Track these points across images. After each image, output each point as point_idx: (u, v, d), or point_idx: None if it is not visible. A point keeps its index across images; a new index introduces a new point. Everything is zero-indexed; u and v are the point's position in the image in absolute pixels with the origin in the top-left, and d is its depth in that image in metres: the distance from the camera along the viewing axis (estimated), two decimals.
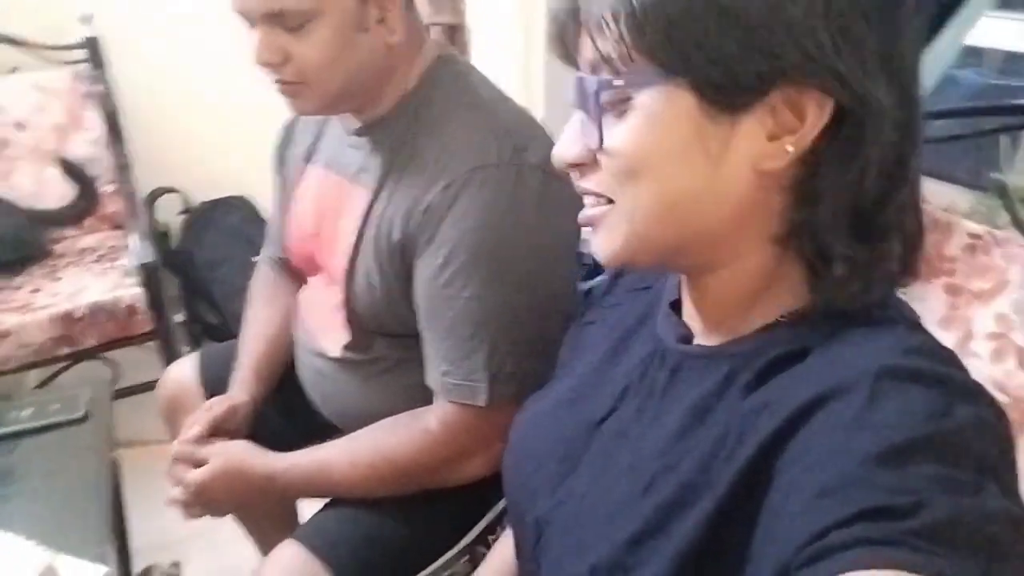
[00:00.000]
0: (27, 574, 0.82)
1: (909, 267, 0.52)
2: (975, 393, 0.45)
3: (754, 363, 0.51)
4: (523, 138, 0.89)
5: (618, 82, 0.49)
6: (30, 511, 1.01)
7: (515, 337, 0.88)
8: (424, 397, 0.94)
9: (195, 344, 2.51)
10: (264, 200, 2.55)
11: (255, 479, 0.97)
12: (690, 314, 0.60)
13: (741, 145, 0.48)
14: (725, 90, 0.47)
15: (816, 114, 0.47)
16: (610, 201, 0.52)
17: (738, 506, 0.47)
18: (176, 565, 1.57)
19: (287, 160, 1.14)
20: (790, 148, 0.47)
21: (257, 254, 2.41)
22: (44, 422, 1.18)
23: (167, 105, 2.46)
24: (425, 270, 0.89)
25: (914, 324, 0.52)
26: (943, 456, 0.40)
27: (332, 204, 1.02)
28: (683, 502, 0.50)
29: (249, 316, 1.24)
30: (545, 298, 0.88)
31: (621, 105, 0.49)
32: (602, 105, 0.50)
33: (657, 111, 0.48)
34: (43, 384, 2.01)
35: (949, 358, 0.48)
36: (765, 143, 0.48)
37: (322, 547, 0.91)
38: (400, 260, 0.92)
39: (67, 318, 1.78)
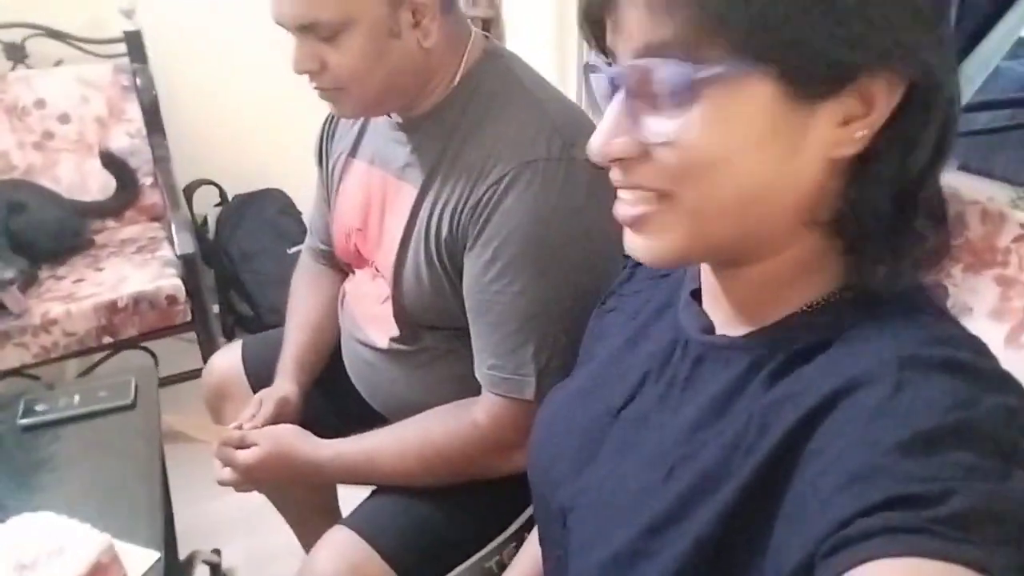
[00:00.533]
0: (88, 556, 0.84)
1: (937, 252, 0.51)
2: (1004, 382, 0.44)
3: (778, 354, 0.51)
4: (572, 132, 0.89)
5: (696, 70, 0.45)
6: (83, 496, 1.03)
7: (562, 332, 0.89)
8: (472, 386, 0.95)
9: (229, 335, 2.54)
10: (299, 193, 2.58)
11: (302, 466, 0.99)
12: (712, 304, 0.59)
13: (815, 134, 0.47)
14: (809, 80, 0.45)
15: (887, 98, 0.46)
16: (661, 197, 0.49)
17: (759, 496, 0.47)
18: (217, 552, 1.60)
19: (330, 153, 1.15)
20: (862, 134, 0.46)
21: (291, 246, 2.45)
22: (93, 408, 1.21)
23: (206, 98, 2.49)
24: (474, 266, 0.90)
25: (940, 312, 0.51)
26: (970, 444, 0.40)
27: (378, 200, 1.03)
28: (703, 490, 0.50)
29: (292, 306, 1.25)
30: (593, 293, 0.88)
31: (687, 93, 0.45)
32: (666, 93, 0.46)
33: (732, 100, 0.46)
34: (84, 373, 2.04)
35: (977, 347, 0.47)
36: (836, 130, 0.46)
37: (372, 533, 0.92)
38: (449, 256, 0.93)
39: (111, 307, 1.81)
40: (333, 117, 1.17)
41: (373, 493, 1.03)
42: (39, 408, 1.20)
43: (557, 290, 0.88)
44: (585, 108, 1.35)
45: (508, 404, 0.91)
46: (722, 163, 0.47)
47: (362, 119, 1.09)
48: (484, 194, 0.88)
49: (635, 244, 0.52)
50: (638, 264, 0.71)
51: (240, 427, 1.04)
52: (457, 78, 0.94)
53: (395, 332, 1.02)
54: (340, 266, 1.22)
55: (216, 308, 2.54)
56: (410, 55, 0.89)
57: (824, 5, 0.43)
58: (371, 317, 1.06)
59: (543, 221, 0.86)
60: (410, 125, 0.98)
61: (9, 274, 1.72)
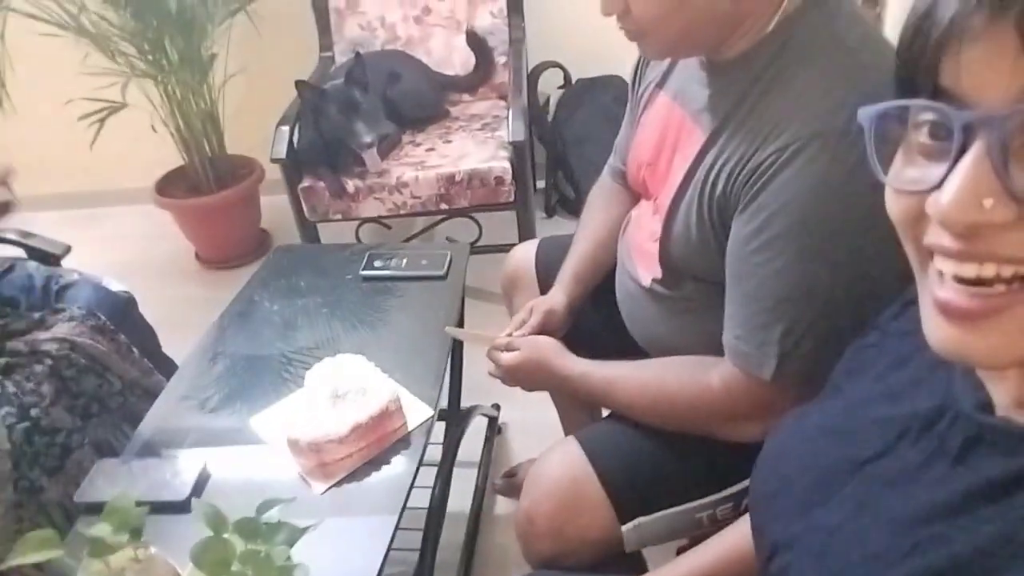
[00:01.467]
0: (381, 401, 1.06)
1: None
2: None
3: None
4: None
5: None
6: (388, 346, 1.26)
7: (817, 319, 0.85)
8: (720, 349, 0.95)
9: (550, 212, 2.75)
10: None
11: (552, 376, 1.10)
12: (996, 380, 0.52)
13: None
14: None
15: None
16: None
17: None
18: (496, 407, 1.85)
19: (642, 79, 1.17)
20: None
21: None
22: (414, 273, 1.45)
23: None
24: (740, 231, 0.88)
25: None
26: None
27: (672, 137, 1.03)
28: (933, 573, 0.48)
29: (583, 218, 1.34)
30: (862, 288, 0.82)
31: None
32: None
33: None
34: (426, 230, 2.39)
35: None
36: None
37: (597, 454, 1.00)
38: (719, 212, 0.92)
39: (450, 179, 2.07)
40: None
41: (610, 415, 1.11)
42: (377, 264, 1.47)
43: (821, 276, 0.83)
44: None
45: (744, 377, 0.91)
46: None
47: None
48: (766, 159, 0.84)
49: (964, 341, 0.44)
50: (913, 302, 0.59)
51: (510, 335, 1.18)
52: (772, 25, 0.88)
53: (658, 274, 1.05)
54: (633, 192, 1.26)
55: (542, 185, 2.75)
56: (714, 2, 0.86)
57: None
58: (642, 252, 1.10)
59: (821, 200, 0.81)
60: (715, 68, 0.95)
61: (368, 138, 2.04)
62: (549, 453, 1.05)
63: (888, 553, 0.52)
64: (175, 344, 1.63)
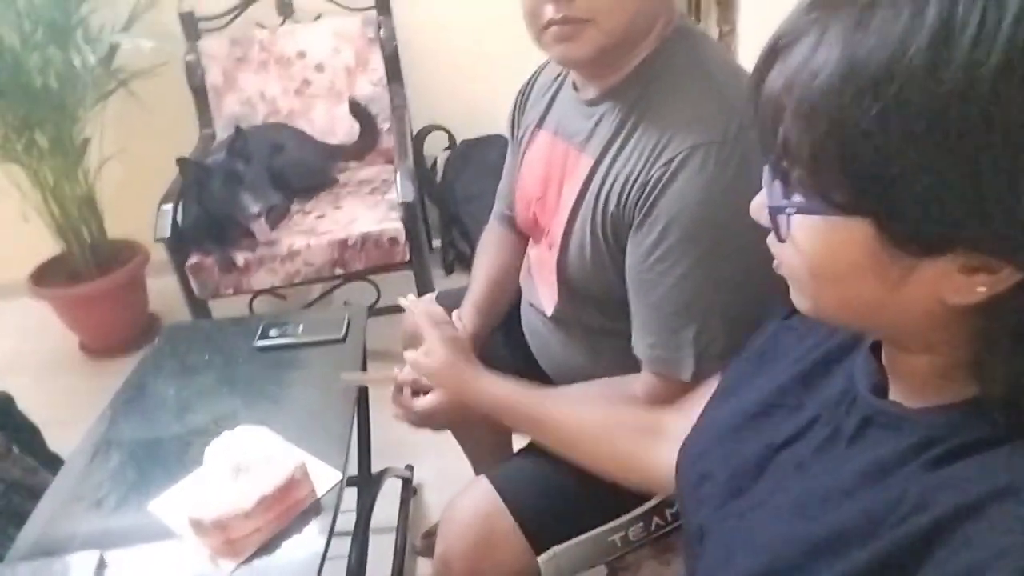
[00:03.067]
0: (286, 470, 1.04)
1: None
2: None
3: (949, 439, 0.50)
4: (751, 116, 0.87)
5: (794, 202, 0.50)
6: (290, 415, 1.23)
7: (724, 316, 0.89)
8: (633, 364, 0.98)
9: (448, 270, 2.78)
10: None
11: (474, 415, 1.07)
12: (890, 365, 0.58)
13: (926, 276, 0.46)
14: (906, 240, 0.45)
15: (1011, 270, 0.44)
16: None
17: (894, 566, 0.48)
18: (409, 468, 1.83)
19: (520, 124, 1.22)
20: (982, 288, 0.45)
21: None
22: (312, 339, 1.43)
23: (442, 48, 2.67)
24: (638, 246, 0.91)
25: None
26: None
27: (558, 169, 1.07)
28: (833, 549, 0.52)
29: (476, 263, 1.36)
30: (758, 280, 0.86)
31: (805, 207, 0.49)
32: (785, 206, 0.51)
33: (833, 231, 0.48)
34: (323, 296, 2.36)
35: None
36: (956, 276, 0.45)
37: (507, 489, 1.01)
38: (613, 231, 0.95)
39: (343, 244, 2.07)
40: (527, 87, 1.22)
41: (520, 450, 1.12)
42: (272, 333, 1.44)
43: (722, 275, 0.87)
44: None
45: (664, 382, 0.93)
46: (822, 276, 0.51)
47: (553, 91, 1.13)
48: (654, 173, 0.88)
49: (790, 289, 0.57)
50: None
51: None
52: (651, 48, 0.94)
53: (557, 301, 1.08)
54: (523, 235, 1.31)
55: (439, 244, 2.78)
56: None
57: (915, 175, 0.43)
58: (542, 285, 1.13)
59: (712, 204, 0.85)
60: (594, 101, 1.00)
61: (255, 208, 2.03)
62: (460, 496, 1.05)
63: (788, 532, 0.56)
64: (64, 441, 1.53)
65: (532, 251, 1.24)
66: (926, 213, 0.43)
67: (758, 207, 0.54)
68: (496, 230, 1.38)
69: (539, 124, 1.15)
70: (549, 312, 1.12)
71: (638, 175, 0.90)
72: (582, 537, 0.99)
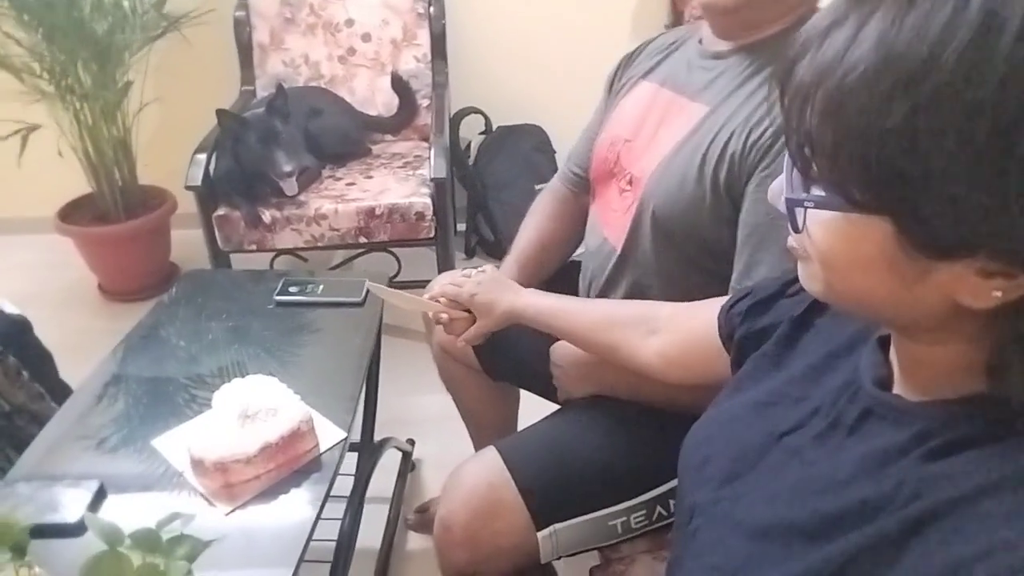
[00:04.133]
0: (292, 421, 1.03)
1: None
2: None
3: (947, 433, 0.50)
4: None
5: (813, 196, 0.50)
6: (301, 371, 1.24)
7: None
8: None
9: (469, 254, 2.77)
10: (556, 132, 2.70)
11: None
12: (894, 360, 0.58)
13: (942, 278, 0.46)
14: (925, 243, 0.45)
15: None
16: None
17: (884, 552, 0.48)
18: (411, 442, 1.83)
19: (622, 77, 1.23)
20: (998, 293, 0.44)
21: (539, 183, 2.58)
22: (331, 299, 1.43)
23: (489, 32, 2.66)
24: (758, 190, 0.93)
25: None
26: None
27: (656, 115, 1.09)
28: (823, 534, 0.52)
29: (527, 221, 1.36)
30: None
31: (823, 202, 0.49)
32: (803, 199, 0.51)
33: (850, 227, 0.48)
34: (343, 263, 2.37)
35: None
36: (972, 278, 0.45)
37: (515, 462, 1.01)
38: (727, 172, 0.96)
39: (370, 213, 2.07)
40: (635, 52, 1.24)
41: (530, 426, 1.12)
42: (292, 290, 1.45)
43: None
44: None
45: None
46: (835, 268, 0.51)
47: (673, 48, 1.16)
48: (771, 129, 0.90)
49: (798, 270, 0.56)
50: None
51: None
52: (786, 25, 0.98)
53: (627, 239, 1.10)
54: (585, 191, 1.29)
55: (463, 227, 2.78)
56: None
57: (936, 180, 0.42)
58: (614, 226, 1.14)
59: None
60: (725, 52, 1.03)
61: (288, 167, 2.02)
62: (467, 461, 1.05)
63: (782, 517, 0.57)
64: (73, 373, 1.55)
65: (599, 198, 1.22)
66: (948, 218, 0.42)
67: (775, 194, 0.54)
68: (557, 190, 1.37)
69: (644, 76, 1.17)
70: (619, 249, 1.12)
71: (770, 122, 0.92)
72: (584, 518, 0.98)
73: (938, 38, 0.41)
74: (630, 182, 1.10)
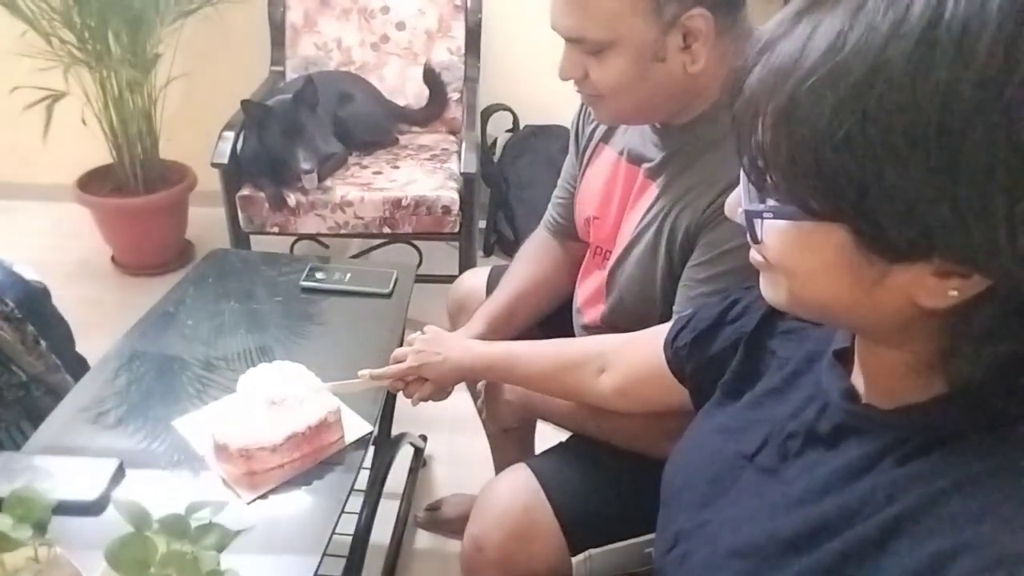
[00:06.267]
0: (320, 412, 1.00)
1: None
2: None
3: (919, 436, 0.51)
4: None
5: (769, 207, 0.50)
6: (326, 359, 1.20)
7: None
8: None
9: (487, 251, 2.74)
10: None
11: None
12: (858, 369, 0.59)
13: (900, 280, 0.46)
14: (882, 247, 0.45)
15: (982, 277, 0.44)
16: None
17: (863, 556, 0.49)
18: (424, 438, 1.80)
19: (584, 132, 1.19)
20: (954, 292, 0.45)
21: None
22: (357, 288, 1.40)
23: (524, 29, 2.61)
24: (694, 258, 0.95)
25: None
26: None
27: (622, 192, 1.07)
28: (809, 543, 0.53)
29: (511, 268, 1.33)
30: None
31: (780, 212, 0.49)
32: (761, 210, 0.51)
33: (808, 235, 0.48)
34: (361, 254, 2.34)
35: None
36: (929, 279, 0.45)
37: (551, 483, 0.98)
38: (680, 252, 0.97)
39: (396, 204, 2.04)
40: None
41: (562, 444, 1.09)
42: (318, 276, 1.42)
43: None
44: None
45: None
46: (794, 275, 0.51)
47: None
48: (715, 202, 0.91)
49: (760, 282, 0.57)
50: None
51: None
52: (704, 109, 0.95)
53: (604, 311, 1.09)
54: (569, 238, 1.27)
55: (483, 224, 2.75)
56: (672, 78, 0.91)
57: (889, 186, 0.43)
58: (589, 299, 1.14)
59: None
60: (668, 131, 1.00)
61: (307, 165, 1.99)
62: (498, 480, 1.02)
63: (764, 534, 0.57)
64: (81, 345, 1.52)
65: (585, 263, 1.21)
66: (903, 222, 0.43)
67: (732, 206, 0.54)
68: (542, 239, 1.34)
69: (605, 139, 1.14)
70: (587, 320, 1.14)
71: (713, 200, 0.92)
72: (620, 545, 0.95)
73: (882, 47, 0.41)
74: (605, 258, 1.11)
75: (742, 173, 0.51)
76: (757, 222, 0.51)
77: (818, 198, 0.45)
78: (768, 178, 0.48)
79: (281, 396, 1.02)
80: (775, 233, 0.50)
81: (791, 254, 0.50)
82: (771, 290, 0.55)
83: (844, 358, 0.61)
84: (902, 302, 0.47)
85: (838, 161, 0.43)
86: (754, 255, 0.55)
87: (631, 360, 0.93)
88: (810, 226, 0.47)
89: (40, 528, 0.73)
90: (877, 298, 0.48)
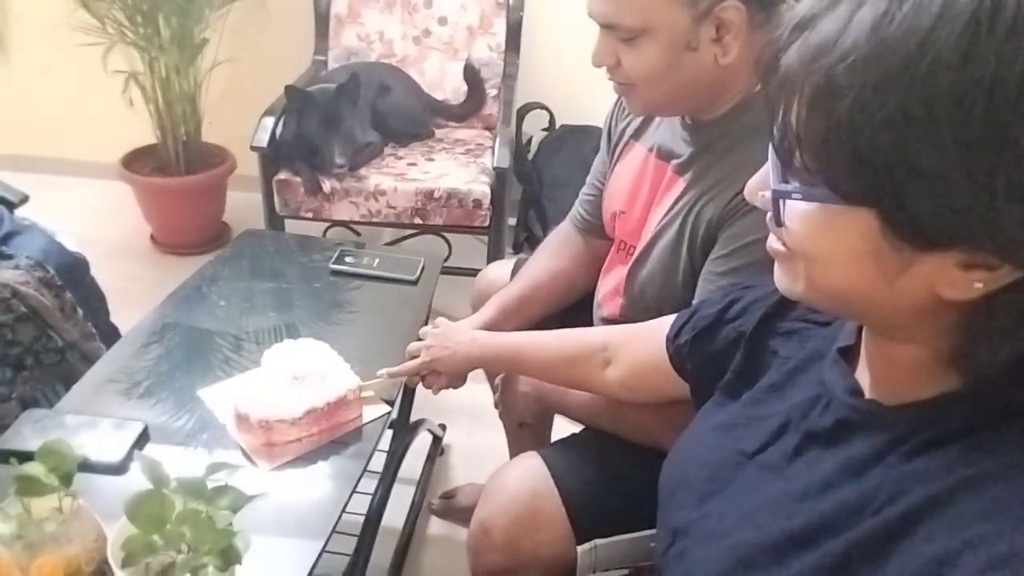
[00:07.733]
0: (340, 389, 1.03)
1: None
2: None
3: (923, 432, 0.50)
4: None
5: (798, 188, 0.49)
6: (350, 341, 1.22)
7: None
8: None
9: (517, 248, 2.75)
10: None
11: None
12: (863, 366, 0.58)
13: (924, 270, 0.46)
14: (910, 234, 0.44)
15: (1009, 268, 0.43)
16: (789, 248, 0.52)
17: (868, 555, 0.48)
18: (443, 427, 1.82)
19: (616, 128, 1.20)
20: (979, 285, 0.44)
21: None
22: (385, 274, 1.42)
23: (564, 28, 2.63)
24: (715, 252, 0.95)
25: None
26: None
27: (650, 188, 1.07)
28: (811, 540, 0.52)
29: (530, 260, 1.34)
30: None
31: (809, 194, 0.48)
32: (790, 191, 0.50)
33: (835, 218, 0.47)
34: (393, 242, 2.36)
35: None
36: (953, 270, 0.45)
37: (560, 472, 0.98)
38: (702, 248, 0.97)
39: (428, 195, 2.06)
40: None
41: (575, 435, 1.09)
42: (348, 260, 1.44)
43: None
44: None
45: None
46: (817, 260, 0.50)
47: None
48: (735, 198, 0.92)
49: (775, 272, 0.56)
50: (793, 305, 0.72)
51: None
52: (735, 102, 0.96)
53: (623, 305, 1.10)
54: (594, 235, 1.27)
55: (513, 221, 2.76)
56: (703, 68, 0.91)
57: (926, 175, 0.42)
58: (609, 293, 1.15)
59: None
60: (696, 127, 1.01)
61: (340, 160, 2.02)
62: (509, 466, 1.03)
63: (766, 529, 0.57)
64: (117, 318, 1.57)
65: (609, 258, 1.21)
66: (934, 209, 0.42)
67: (754, 189, 0.54)
68: (566, 234, 1.35)
69: (635, 136, 1.14)
70: (606, 313, 1.14)
71: (732, 199, 0.93)
72: (626, 536, 0.95)
73: (931, 27, 0.40)
74: (629, 253, 1.11)
75: (771, 152, 0.50)
76: (782, 204, 0.50)
77: (850, 179, 0.44)
78: (799, 158, 0.47)
79: (304, 372, 1.04)
80: (799, 216, 0.49)
81: (814, 238, 0.49)
82: (787, 279, 0.54)
83: (848, 356, 0.60)
84: (923, 293, 0.46)
85: (876, 142, 0.42)
86: (772, 243, 0.54)
87: (635, 354, 0.94)
88: (837, 209, 0.46)
89: (66, 480, 0.76)
90: (898, 287, 0.47)
